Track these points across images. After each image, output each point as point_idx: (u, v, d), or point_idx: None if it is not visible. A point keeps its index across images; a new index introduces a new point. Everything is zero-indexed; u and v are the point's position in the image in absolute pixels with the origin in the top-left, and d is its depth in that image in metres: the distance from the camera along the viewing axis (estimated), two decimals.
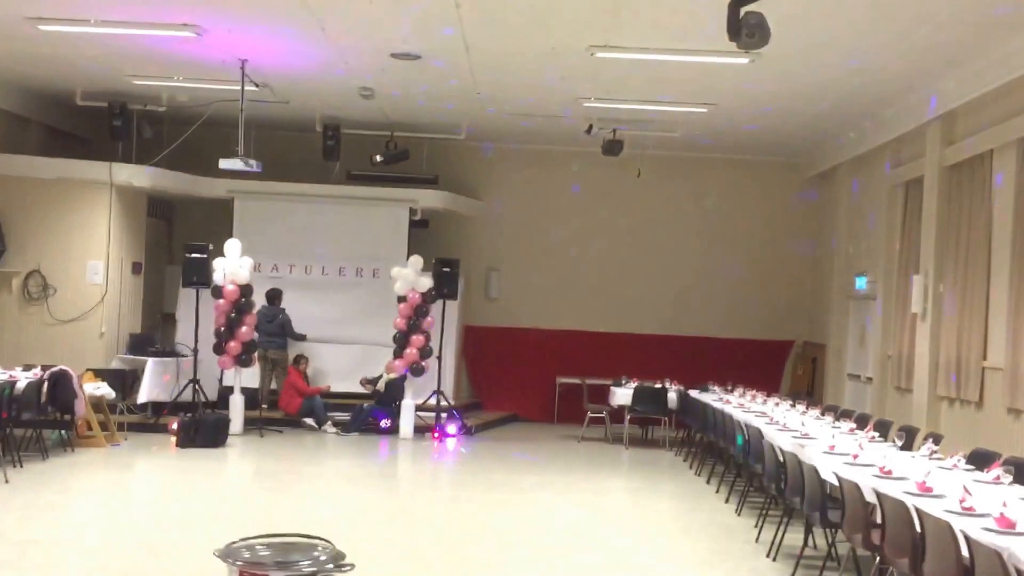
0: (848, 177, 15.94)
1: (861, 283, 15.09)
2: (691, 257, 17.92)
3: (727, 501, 10.87)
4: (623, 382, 15.10)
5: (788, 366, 17.94)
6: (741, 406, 12.17)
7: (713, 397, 13.38)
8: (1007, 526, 5.15)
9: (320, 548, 3.31)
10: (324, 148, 15.90)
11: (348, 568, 3.19)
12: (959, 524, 5.27)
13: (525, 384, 17.69)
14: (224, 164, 13.06)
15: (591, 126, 14.73)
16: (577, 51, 11.19)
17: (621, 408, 14.89)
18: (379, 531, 9.18)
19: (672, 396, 14.68)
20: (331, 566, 3.22)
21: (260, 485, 11.75)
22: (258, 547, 3.33)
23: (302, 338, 15.58)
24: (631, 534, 9.40)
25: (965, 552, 5.06)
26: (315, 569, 3.19)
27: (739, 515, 10.18)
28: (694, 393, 14.15)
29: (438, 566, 7.92)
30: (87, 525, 9.04)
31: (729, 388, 14.01)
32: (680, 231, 17.94)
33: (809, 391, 16.51)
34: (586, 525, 9.71)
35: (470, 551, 8.64)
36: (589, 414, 15.55)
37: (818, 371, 16.77)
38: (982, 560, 4.80)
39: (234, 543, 3.24)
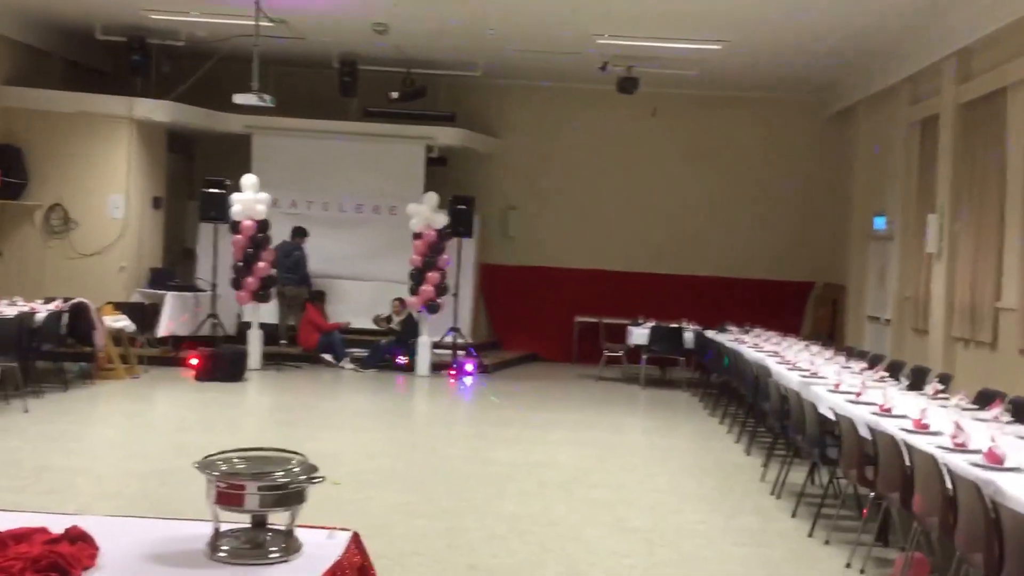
0: (866, 115, 15.72)
1: (880, 223, 14.93)
2: (709, 196, 17.76)
3: (737, 441, 10.88)
4: (640, 322, 15.08)
5: (809, 308, 17.84)
6: (756, 346, 12.13)
7: (729, 337, 13.34)
8: (995, 461, 5.14)
9: (294, 461, 3.37)
10: (341, 85, 15.85)
11: (319, 480, 3.28)
12: (948, 459, 5.26)
13: (544, 323, 17.70)
14: (238, 99, 13.06)
15: (605, 63, 14.56)
16: None
17: (638, 348, 14.88)
18: (386, 463, 9.28)
19: (688, 336, 14.65)
20: (303, 477, 3.26)
21: (275, 418, 11.89)
22: (235, 459, 3.37)
23: (306, 281, 15.60)
24: (638, 471, 9.43)
25: (950, 486, 5.06)
26: (288, 480, 3.23)
27: (748, 455, 10.19)
28: (710, 333, 14.11)
29: (441, 498, 8.00)
30: (102, 453, 9.20)
31: (746, 329, 13.97)
32: (698, 170, 17.76)
33: (830, 333, 16.42)
34: (594, 462, 9.75)
35: (474, 484, 8.70)
36: (606, 354, 15.56)
37: (838, 313, 16.66)
38: (963, 493, 4.79)
39: (212, 455, 3.33)
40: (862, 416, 6.86)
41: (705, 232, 17.74)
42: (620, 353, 15.43)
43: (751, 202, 17.72)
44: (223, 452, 3.46)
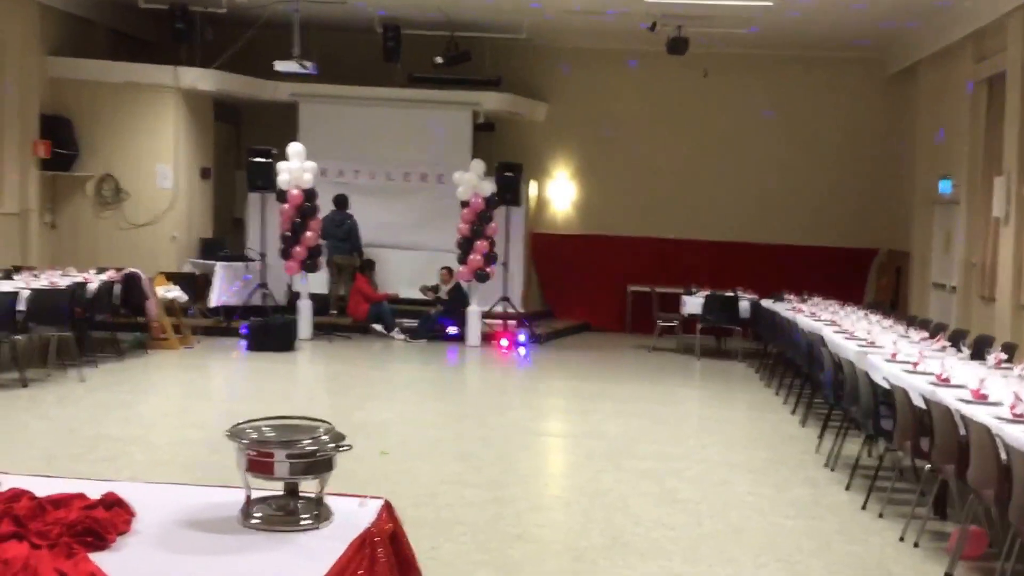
0: (929, 73, 15.21)
1: (945, 186, 14.45)
2: (765, 160, 17.35)
3: (793, 412, 10.64)
4: (693, 291, 14.81)
5: (871, 276, 17.39)
6: (813, 315, 11.85)
7: (786, 307, 13.04)
8: None
9: (322, 430, 3.41)
10: (385, 50, 15.66)
11: (346, 448, 3.34)
12: (1004, 429, 5.04)
13: (596, 292, 17.47)
14: (279, 66, 12.93)
15: (654, 23, 14.20)
16: None
17: (692, 317, 14.59)
18: (432, 432, 9.19)
19: (744, 305, 14.34)
20: (331, 446, 3.33)
21: (325, 388, 11.87)
22: (264, 428, 3.45)
23: (358, 250, 15.58)
24: (689, 442, 9.25)
25: (1005, 457, 4.86)
26: (316, 447, 3.31)
27: (803, 426, 9.97)
28: (767, 303, 13.82)
29: (488, 469, 7.89)
30: (155, 422, 9.23)
31: (804, 297, 13.66)
32: (752, 133, 17.35)
33: (893, 302, 16.01)
34: (644, 433, 9.58)
35: (522, 455, 8.62)
36: (660, 324, 15.31)
37: (902, 280, 16.24)
38: (1018, 464, 4.57)
39: (241, 423, 3.34)
40: (918, 386, 6.62)
41: (762, 197, 17.34)
42: (674, 323, 15.18)
43: (808, 166, 17.30)
44: (252, 420, 3.51)
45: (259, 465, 3.30)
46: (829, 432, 8.90)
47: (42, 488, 3.27)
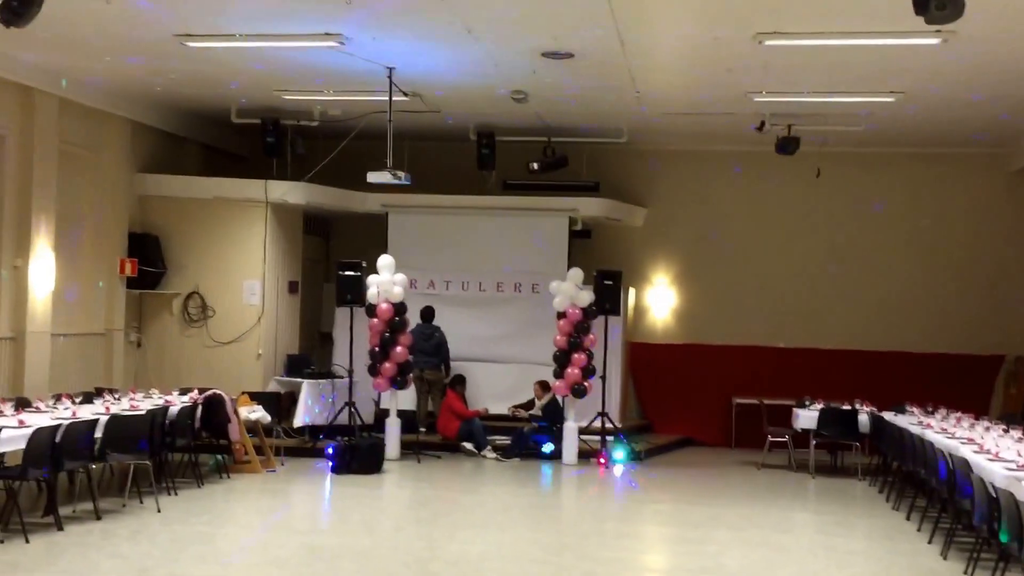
0: None
1: None
2: (881, 263, 16.40)
3: (930, 542, 9.58)
4: (807, 403, 13.82)
5: (998, 384, 16.13)
6: (944, 431, 10.85)
7: (911, 420, 12.10)
8: None
9: None
10: (479, 157, 15.29)
11: None
12: None
13: (699, 405, 16.55)
14: (372, 177, 12.56)
15: (763, 122, 13.60)
16: (743, 40, 10.18)
17: (805, 432, 13.60)
18: (531, 569, 8.36)
19: (863, 419, 13.34)
20: None
21: (413, 515, 11.13)
22: None
23: (447, 365, 15.10)
24: None
25: None
26: None
27: (945, 559, 8.93)
28: (888, 416, 12.82)
29: None
30: (232, 559, 8.59)
31: (929, 410, 12.65)
32: (867, 235, 16.45)
33: None
34: (765, 568, 8.63)
35: None
36: (770, 438, 14.32)
37: None
38: None
39: None
40: None
41: (878, 302, 16.34)
42: (785, 438, 14.17)
43: (928, 267, 16.30)
44: None
45: None
46: (981, 569, 7.85)
47: None
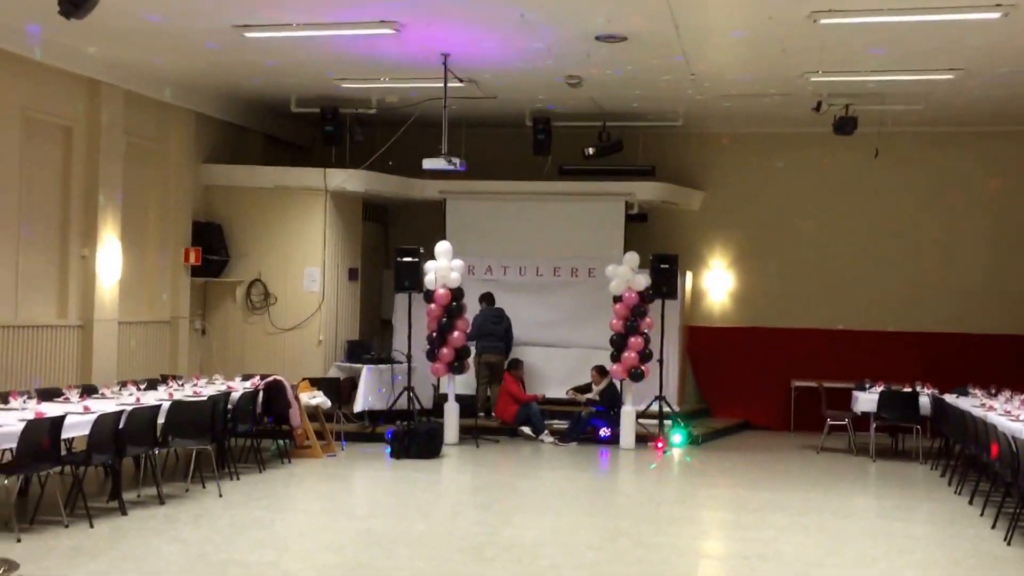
0: None
1: None
2: (941, 244, 16.19)
3: (994, 527, 9.42)
4: (867, 386, 13.67)
5: None
6: (1008, 413, 10.66)
7: (973, 403, 11.88)
8: None
9: None
10: (534, 143, 15.30)
11: None
12: None
13: (757, 389, 16.46)
14: (428, 164, 12.64)
15: (819, 103, 13.43)
16: (798, 19, 10.08)
17: (865, 415, 13.46)
18: (588, 556, 8.38)
19: (924, 401, 13.16)
20: None
21: (470, 500, 11.22)
22: None
23: (510, 348, 15.20)
24: (880, 565, 8.20)
25: None
26: None
27: (1009, 544, 8.78)
28: (950, 398, 12.63)
29: None
30: (290, 544, 8.71)
31: (992, 392, 12.43)
32: (927, 215, 16.23)
33: None
34: (825, 554, 8.56)
35: None
36: (829, 421, 14.19)
37: None
38: None
39: None
40: None
41: (939, 282, 16.12)
42: (844, 421, 14.03)
43: (990, 248, 16.04)
44: None
45: None
46: None
47: None
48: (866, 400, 13.41)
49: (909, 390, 13.35)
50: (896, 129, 15.45)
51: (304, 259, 15.17)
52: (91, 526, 8.57)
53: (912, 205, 16.28)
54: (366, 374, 14.35)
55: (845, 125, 13.70)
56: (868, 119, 14.11)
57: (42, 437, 8.35)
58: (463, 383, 14.52)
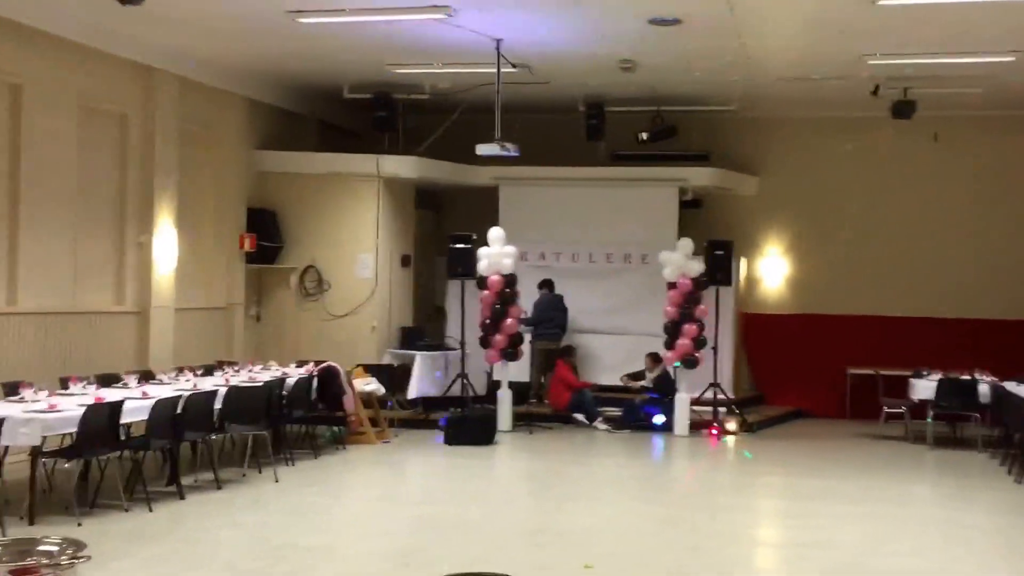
0: None
1: None
2: (1001, 229, 15.82)
3: None
4: (924, 373, 13.46)
5: None
6: None
7: None
8: None
9: None
10: (587, 128, 15.21)
11: None
12: None
13: (812, 376, 16.21)
14: (481, 150, 12.62)
15: (877, 86, 13.20)
16: (855, 0, 9.87)
17: (923, 403, 13.26)
18: (642, 542, 8.36)
19: (983, 389, 12.92)
20: None
21: (524, 487, 11.24)
22: None
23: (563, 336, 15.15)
24: (938, 555, 8.09)
25: None
26: None
27: None
28: (1011, 386, 12.38)
29: None
30: (344, 529, 8.79)
31: None
32: (986, 200, 15.88)
33: None
34: (882, 543, 8.46)
35: (739, 569, 7.70)
36: (885, 409, 14.00)
37: None
38: None
39: None
40: None
41: (999, 269, 15.78)
42: (901, 409, 13.83)
43: None
44: None
45: None
46: None
47: None
48: (924, 388, 13.21)
49: (968, 378, 13.12)
50: (955, 113, 15.15)
51: (357, 246, 15.21)
52: (150, 510, 8.69)
53: (971, 190, 15.95)
54: (420, 361, 14.39)
55: (903, 109, 13.48)
56: (926, 103, 13.86)
57: (102, 422, 8.48)
58: (516, 370, 14.50)
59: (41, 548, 2.50)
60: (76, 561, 2.49)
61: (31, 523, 8.02)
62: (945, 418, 13.78)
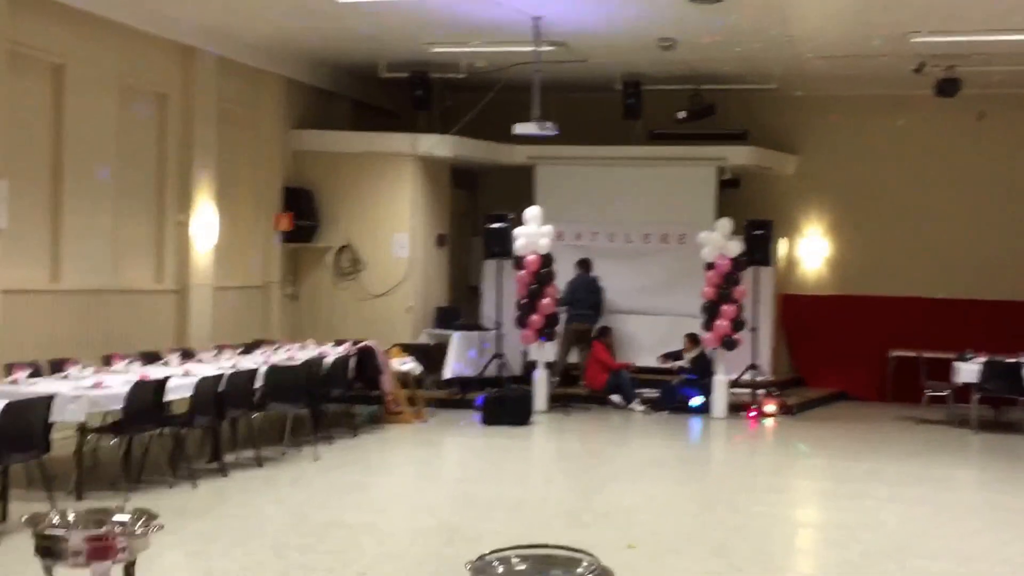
0: None
1: None
2: None
3: None
4: (968, 356, 13.28)
5: None
6: None
7: None
8: None
9: (585, 564, 2.72)
10: (625, 107, 15.11)
11: None
12: None
13: (853, 358, 16.03)
14: (518, 128, 12.57)
15: (922, 64, 13.01)
16: None
17: (966, 386, 13.10)
18: (683, 522, 8.33)
19: None
20: None
21: (563, 468, 11.22)
22: (514, 560, 2.90)
23: (600, 316, 15.04)
24: (983, 537, 7.99)
25: None
26: None
27: None
28: None
29: (747, 566, 6.97)
30: (387, 507, 8.83)
31: None
32: None
33: None
34: (927, 525, 8.38)
35: (783, 549, 7.69)
36: (928, 393, 13.85)
37: None
38: None
39: (487, 555, 2.71)
40: None
41: None
42: (945, 392, 13.67)
43: None
44: (500, 551, 2.87)
45: None
46: None
47: None
48: (968, 371, 13.04)
49: (1013, 361, 12.94)
50: (1001, 91, 14.90)
51: (393, 225, 15.19)
52: (194, 487, 8.74)
53: (1016, 170, 15.71)
54: (456, 340, 14.36)
55: (948, 87, 13.29)
56: (972, 81, 13.65)
57: (147, 399, 8.52)
58: (553, 350, 14.44)
59: (116, 518, 2.51)
60: (149, 530, 2.49)
61: (79, 498, 8.07)
62: (989, 402, 13.61)
